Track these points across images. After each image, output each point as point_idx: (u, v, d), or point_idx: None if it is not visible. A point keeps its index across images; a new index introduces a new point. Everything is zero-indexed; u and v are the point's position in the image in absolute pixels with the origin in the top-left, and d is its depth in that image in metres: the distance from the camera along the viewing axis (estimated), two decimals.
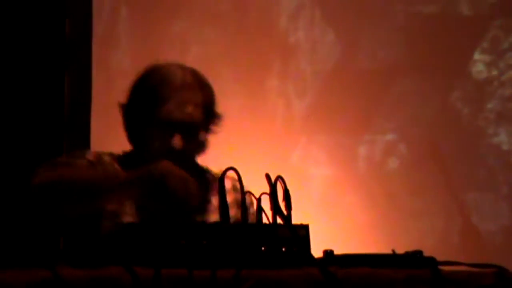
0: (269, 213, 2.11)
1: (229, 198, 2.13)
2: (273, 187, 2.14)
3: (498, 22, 3.88)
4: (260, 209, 2.11)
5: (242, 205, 2.26)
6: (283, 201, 2.12)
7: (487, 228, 3.86)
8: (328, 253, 1.97)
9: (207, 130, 2.44)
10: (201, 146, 2.45)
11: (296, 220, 2.10)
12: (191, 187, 2.23)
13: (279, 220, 2.08)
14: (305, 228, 2.05)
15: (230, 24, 3.73)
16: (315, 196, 3.77)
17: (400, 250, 2.01)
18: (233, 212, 2.17)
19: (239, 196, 2.11)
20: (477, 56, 3.88)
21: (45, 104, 3.70)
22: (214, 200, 2.50)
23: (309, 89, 3.79)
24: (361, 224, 3.80)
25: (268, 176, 2.11)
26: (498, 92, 3.88)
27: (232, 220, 2.13)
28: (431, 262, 1.96)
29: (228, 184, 2.25)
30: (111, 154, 2.50)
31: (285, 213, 2.08)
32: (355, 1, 3.83)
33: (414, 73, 3.86)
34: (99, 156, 2.47)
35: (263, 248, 1.96)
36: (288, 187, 2.21)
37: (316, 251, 2.03)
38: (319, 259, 1.98)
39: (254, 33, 3.70)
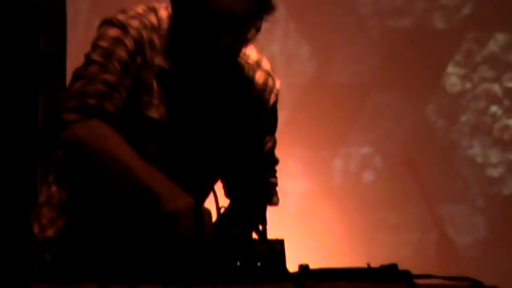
0: None
1: None
2: (252, 207, 2.15)
3: (471, 35, 3.91)
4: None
5: (219, 219, 2.27)
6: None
7: (463, 241, 3.88)
8: (303, 268, 1.97)
9: (257, 27, 2.23)
10: (246, 43, 2.25)
11: (272, 234, 2.10)
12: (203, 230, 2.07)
13: (254, 235, 2.09)
14: (280, 243, 2.04)
15: None
16: (291, 209, 3.78)
17: (376, 264, 2.01)
18: None
19: None
20: (450, 69, 3.91)
21: (19, 119, 3.69)
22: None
23: (285, 103, 3.80)
24: (337, 237, 3.81)
25: None
26: (472, 105, 3.91)
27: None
28: (407, 275, 1.97)
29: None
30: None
31: (260, 228, 2.08)
32: (330, 15, 3.85)
33: (389, 87, 3.89)
34: None
35: (238, 263, 1.96)
36: None
37: (292, 266, 2.03)
38: (295, 274, 1.98)
39: None
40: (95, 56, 2.21)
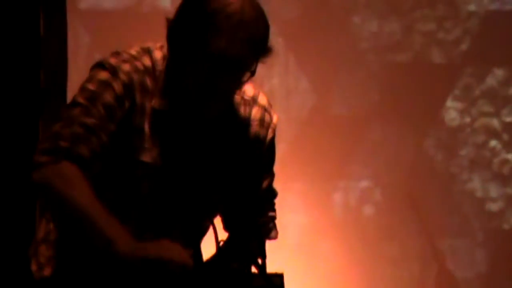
0: None
1: None
2: (250, 241, 2.14)
3: (469, 70, 3.93)
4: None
5: (218, 253, 2.26)
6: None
7: (463, 275, 3.87)
8: None
9: (252, 72, 2.22)
10: (241, 85, 2.25)
11: (271, 268, 2.10)
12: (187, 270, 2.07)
13: (253, 269, 2.08)
14: (280, 277, 2.04)
15: None
16: (290, 243, 3.77)
17: None
18: None
19: None
20: (449, 103, 3.93)
21: (19, 152, 3.69)
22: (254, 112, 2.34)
23: (284, 136, 3.81)
24: (337, 270, 3.81)
25: None
26: (471, 139, 3.91)
27: None
28: None
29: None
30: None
31: (260, 261, 2.08)
32: (329, 49, 3.88)
33: (388, 120, 3.90)
34: None
35: None
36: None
37: None
38: None
39: None
40: (80, 99, 2.21)
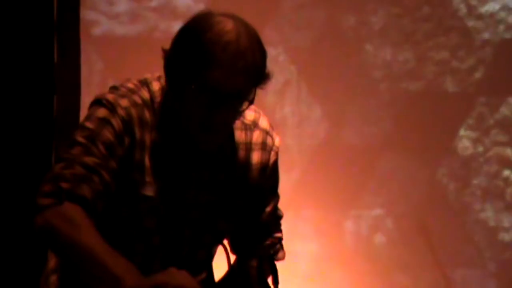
0: None
1: None
2: (260, 260, 2.13)
3: (483, 99, 3.92)
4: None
5: (231, 281, 2.25)
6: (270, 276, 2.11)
7: None
8: None
9: (251, 101, 2.19)
10: (240, 115, 2.23)
11: None
12: None
13: None
14: None
15: None
16: (301, 271, 3.76)
17: None
18: None
19: None
20: (462, 132, 3.92)
21: (32, 180, 3.69)
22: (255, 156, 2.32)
23: (296, 164, 3.81)
24: None
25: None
26: (484, 168, 3.90)
27: None
28: None
29: None
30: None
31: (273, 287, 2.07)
32: (341, 78, 3.88)
33: (401, 149, 3.89)
34: None
35: None
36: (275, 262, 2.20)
37: None
38: None
39: None
40: (79, 138, 2.19)
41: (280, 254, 2.37)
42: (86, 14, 3.79)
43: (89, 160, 2.15)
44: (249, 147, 2.30)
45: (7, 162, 3.70)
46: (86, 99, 3.74)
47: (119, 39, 3.85)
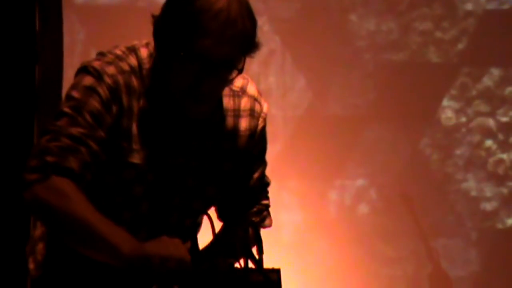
0: None
1: None
2: (245, 230, 2.14)
3: (466, 70, 3.94)
4: None
5: (215, 250, 2.26)
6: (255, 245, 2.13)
7: (457, 274, 3.89)
8: None
9: (240, 70, 2.16)
10: (229, 83, 2.21)
11: (266, 265, 2.10)
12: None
13: (251, 264, 2.09)
14: (277, 272, 2.05)
15: None
16: (285, 241, 3.78)
17: None
18: None
19: None
20: (445, 103, 3.94)
21: (14, 148, 3.69)
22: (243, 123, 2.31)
23: (280, 134, 3.82)
24: (331, 269, 3.81)
25: None
26: (467, 138, 3.93)
27: None
28: None
29: None
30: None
31: (257, 257, 2.09)
32: (325, 48, 3.88)
33: (384, 120, 3.91)
34: None
35: None
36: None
37: None
38: None
39: None
40: (66, 108, 2.16)
41: (267, 221, 2.38)
42: None
43: (75, 131, 2.14)
44: (237, 113, 2.30)
45: None
46: (68, 69, 3.73)
47: (102, 7, 3.83)
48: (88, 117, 2.15)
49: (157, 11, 2.19)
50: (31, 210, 2.16)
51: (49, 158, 2.12)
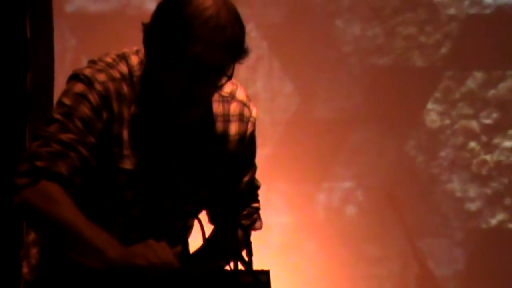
0: None
1: None
2: (235, 232, 2.18)
3: (450, 73, 3.97)
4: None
5: (206, 253, 2.30)
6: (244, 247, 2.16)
7: (442, 273, 3.91)
8: None
9: (229, 76, 2.19)
10: (219, 89, 2.24)
11: (256, 266, 2.14)
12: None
13: (240, 266, 2.12)
14: (266, 274, 2.08)
15: None
16: (274, 243, 3.81)
17: None
18: None
19: None
20: (430, 106, 3.97)
21: (5, 156, 3.70)
22: (232, 128, 2.34)
23: (268, 138, 3.85)
24: (319, 270, 3.84)
25: None
26: (451, 140, 3.96)
27: None
28: None
29: None
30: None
31: (246, 259, 2.12)
32: (312, 53, 3.91)
33: (370, 122, 3.93)
34: None
35: None
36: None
37: None
38: None
39: None
40: (56, 115, 2.20)
41: (257, 224, 2.41)
42: None
43: (65, 137, 2.17)
44: (227, 118, 2.33)
45: None
46: (59, 76, 3.75)
47: (91, 16, 3.85)
48: (78, 123, 2.18)
49: (147, 19, 2.22)
50: (20, 214, 2.19)
51: (39, 163, 2.15)
